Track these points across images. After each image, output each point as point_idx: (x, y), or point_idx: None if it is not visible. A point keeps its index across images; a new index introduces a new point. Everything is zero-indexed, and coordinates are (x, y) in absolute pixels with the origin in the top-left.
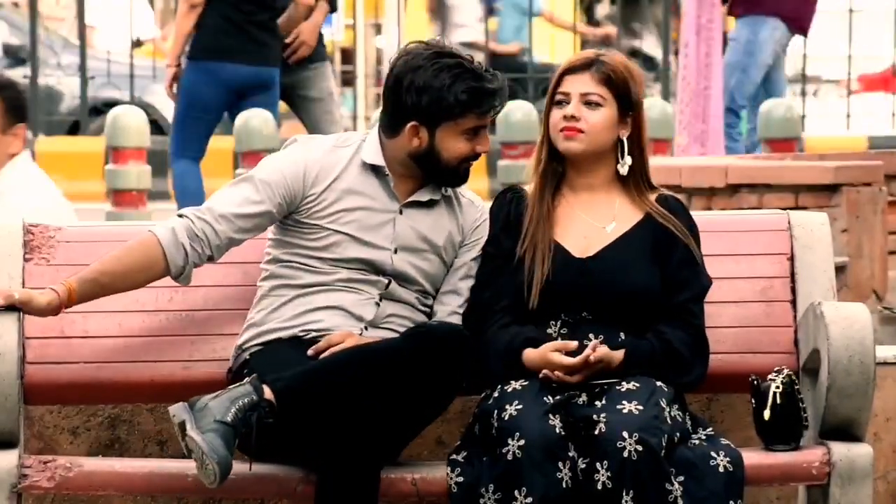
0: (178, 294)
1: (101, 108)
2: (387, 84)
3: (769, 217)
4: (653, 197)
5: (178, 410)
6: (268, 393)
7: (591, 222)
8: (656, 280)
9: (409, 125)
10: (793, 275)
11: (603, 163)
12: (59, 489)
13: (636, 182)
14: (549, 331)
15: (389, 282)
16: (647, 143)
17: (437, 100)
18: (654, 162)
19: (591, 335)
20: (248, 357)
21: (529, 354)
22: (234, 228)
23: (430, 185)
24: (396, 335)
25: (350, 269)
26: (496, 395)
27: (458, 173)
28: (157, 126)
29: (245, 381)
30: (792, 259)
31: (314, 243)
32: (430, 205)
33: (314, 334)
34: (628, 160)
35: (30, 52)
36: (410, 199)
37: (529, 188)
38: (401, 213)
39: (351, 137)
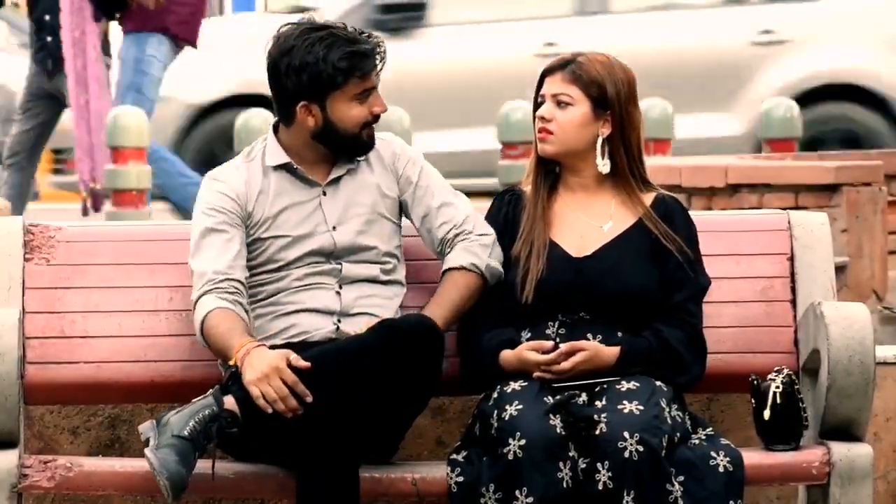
0: (178, 294)
1: None
2: (268, 75)
3: (769, 217)
4: (649, 196)
5: (145, 428)
6: (230, 403)
7: (588, 221)
8: (653, 280)
9: (299, 106)
10: (793, 275)
11: (588, 162)
12: (59, 489)
13: (628, 182)
14: (548, 331)
15: (341, 266)
16: (638, 142)
17: (315, 74)
18: (654, 162)
19: (588, 335)
20: (234, 370)
21: (506, 355)
22: (241, 268)
23: (342, 159)
24: (374, 318)
25: (300, 266)
26: (495, 395)
27: (361, 140)
28: None
29: (208, 392)
30: (792, 259)
31: (258, 259)
32: (349, 173)
33: (296, 340)
34: (607, 161)
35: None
36: (329, 178)
37: (528, 189)
38: (324, 194)
39: (254, 149)
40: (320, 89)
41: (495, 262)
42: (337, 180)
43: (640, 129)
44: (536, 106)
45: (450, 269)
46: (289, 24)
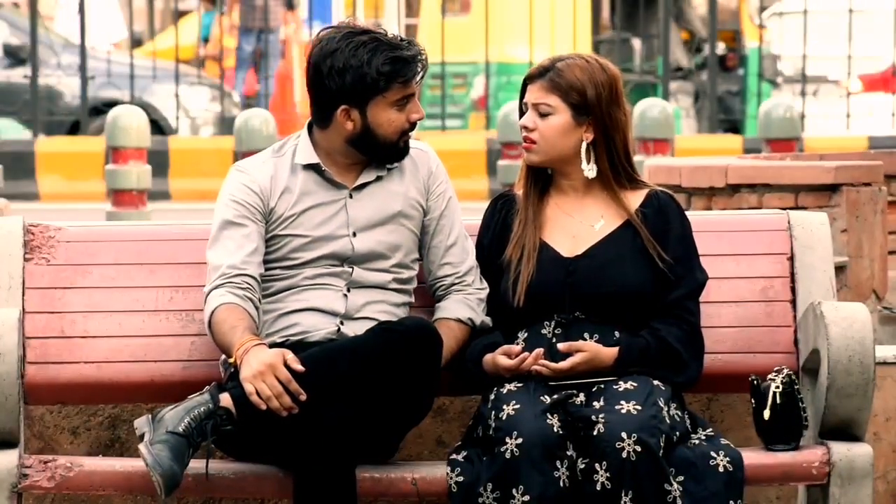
0: (179, 294)
1: (101, 108)
2: (308, 76)
3: (769, 217)
4: (641, 194)
5: (140, 423)
6: (226, 400)
7: (580, 221)
8: (647, 277)
9: (339, 110)
10: (793, 275)
11: (576, 166)
12: (59, 489)
13: (609, 183)
14: (543, 331)
15: (352, 270)
16: (624, 142)
17: (359, 77)
18: (654, 162)
19: (585, 335)
20: (233, 370)
21: (486, 359)
22: (256, 264)
23: (373, 164)
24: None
25: (313, 267)
26: (493, 396)
27: (398, 147)
28: (157, 126)
29: (204, 389)
30: (792, 259)
31: (275, 255)
32: (378, 180)
33: (295, 339)
34: (593, 166)
35: (30, 52)
36: (357, 183)
37: (520, 192)
38: (351, 197)
39: (286, 144)
40: (363, 93)
41: (488, 319)
42: (365, 185)
43: (626, 128)
44: (521, 114)
45: (446, 319)
46: (329, 27)
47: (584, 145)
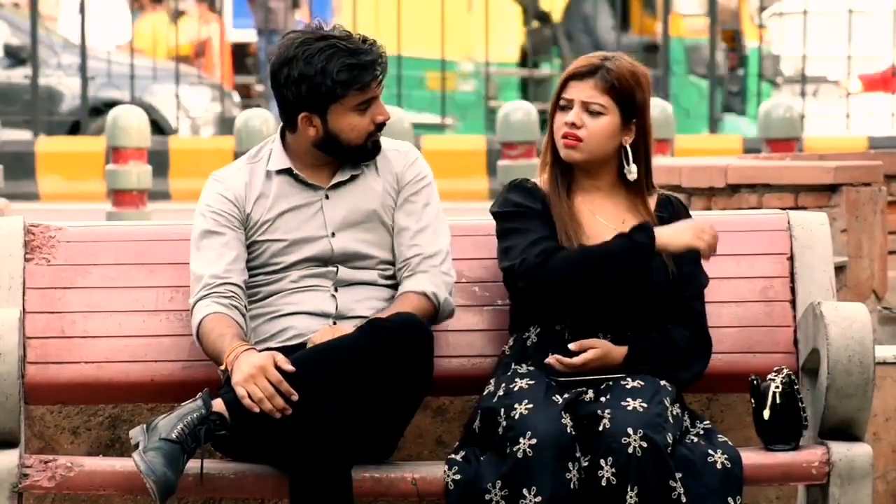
0: (179, 294)
1: (101, 108)
2: (270, 83)
3: (769, 217)
4: (653, 199)
5: (135, 433)
6: (218, 405)
7: (605, 224)
8: (668, 279)
9: (300, 117)
10: (792, 275)
11: (607, 168)
12: (59, 489)
13: (641, 186)
14: (557, 328)
15: (337, 269)
16: (651, 146)
17: (314, 86)
18: (654, 162)
19: (598, 334)
20: (228, 376)
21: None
22: (239, 271)
23: (347, 164)
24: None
25: (297, 269)
26: (501, 393)
27: (366, 148)
28: (157, 126)
29: (197, 395)
30: (792, 259)
31: (256, 261)
32: (353, 178)
33: (293, 343)
34: (634, 167)
35: (30, 52)
36: (332, 182)
37: (540, 184)
38: (327, 197)
39: (261, 150)
40: (320, 101)
41: (453, 303)
42: (341, 184)
43: (651, 132)
44: (556, 107)
45: (409, 292)
46: (292, 32)
47: (628, 146)
